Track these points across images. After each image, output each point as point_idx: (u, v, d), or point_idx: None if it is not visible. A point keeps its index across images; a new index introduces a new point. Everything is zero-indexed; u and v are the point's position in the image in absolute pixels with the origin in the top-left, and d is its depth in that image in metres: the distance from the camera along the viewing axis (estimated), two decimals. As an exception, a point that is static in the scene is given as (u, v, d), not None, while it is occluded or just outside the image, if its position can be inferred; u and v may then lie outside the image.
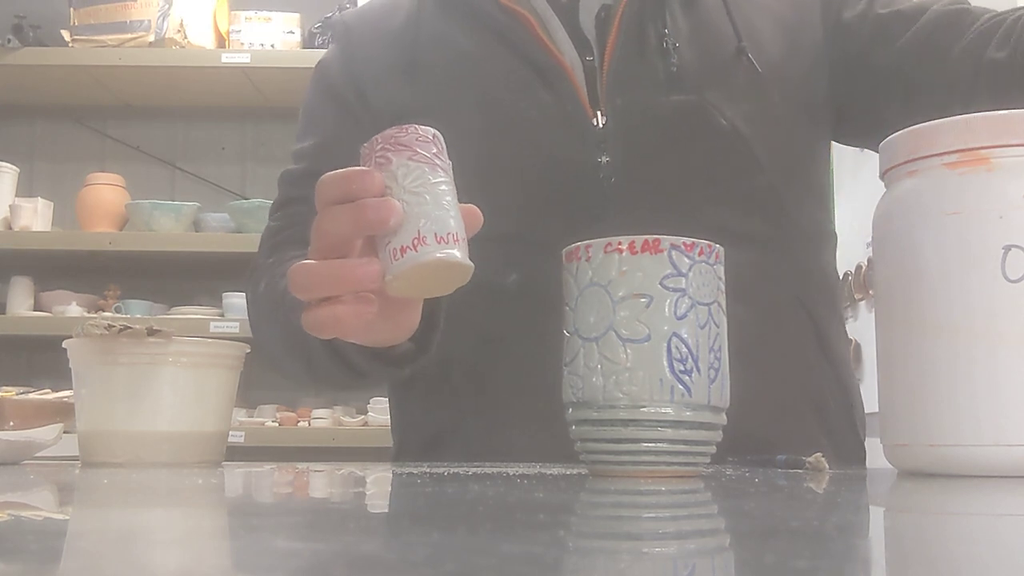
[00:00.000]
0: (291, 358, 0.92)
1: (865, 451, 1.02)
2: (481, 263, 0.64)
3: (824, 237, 1.05)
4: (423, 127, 0.62)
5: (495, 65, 0.96)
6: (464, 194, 0.65)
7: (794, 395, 0.95)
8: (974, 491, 0.55)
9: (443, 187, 0.61)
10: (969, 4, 0.97)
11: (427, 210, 0.60)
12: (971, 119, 0.61)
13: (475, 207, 0.65)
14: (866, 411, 1.95)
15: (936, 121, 0.62)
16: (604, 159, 0.91)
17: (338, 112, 1.01)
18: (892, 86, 0.97)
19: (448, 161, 0.63)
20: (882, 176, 0.67)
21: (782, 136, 0.97)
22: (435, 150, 0.62)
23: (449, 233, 0.60)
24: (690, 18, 0.96)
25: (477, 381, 0.95)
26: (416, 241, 0.59)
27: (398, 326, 0.75)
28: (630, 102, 0.93)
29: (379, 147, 0.62)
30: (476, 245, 0.65)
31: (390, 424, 1.09)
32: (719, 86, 0.94)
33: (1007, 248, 0.58)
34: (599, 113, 0.93)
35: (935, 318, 0.60)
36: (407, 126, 0.62)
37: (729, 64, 0.95)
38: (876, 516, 0.47)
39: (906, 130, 0.64)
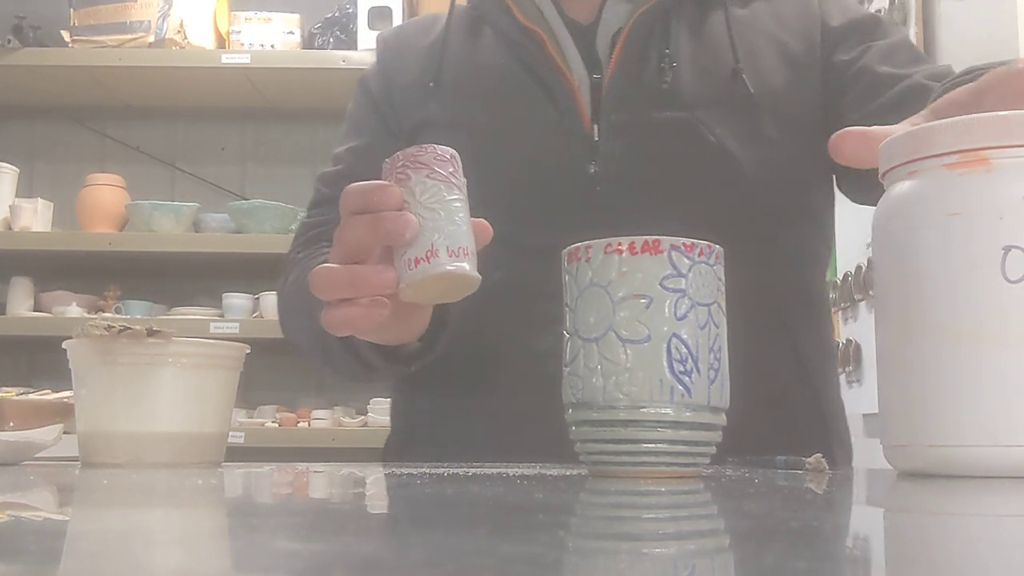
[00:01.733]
0: (311, 348, 0.99)
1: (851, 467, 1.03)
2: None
3: (813, 260, 1.07)
4: (441, 147, 0.67)
5: (507, 80, 1.02)
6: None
7: (762, 409, 0.94)
8: (974, 492, 0.55)
9: (457, 204, 0.66)
10: (942, 79, 0.95)
11: (441, 225, 0.65)
12: (971, 120, 0.61)
13: (485, 221, 0.70)
14: (867, 412, 1.93)
15: (936, 122, 0.62)
16: (593, 169, 0.96)
17: (375, 121, 1.09)
18: None
19: (463, 179, 0.68)
20: (881, 177, 0.67)
21: (774, 158, 0.99)
22: (451, 169, 0.67)
23: (460, 247, 0.65)
24: (694, 40, 1.01)
25: (453, 376, 0.98)
26: (429, 254, 0.64)
27: (409, 327, 0.82)
28: (623, 117, 0.98)
29: (400, 164, 0.67)
30: None
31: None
32: (712, 105, 0.98)
33: (1007, 249, 0.58)
34: (596, 127, 0.98)
35: (935, 319, 0.60)
36: (426, 145, 0.66)
37: (724, 84, 0.99)
38: (876, 516, 0.47)
39: (905, 131, 0.64)
